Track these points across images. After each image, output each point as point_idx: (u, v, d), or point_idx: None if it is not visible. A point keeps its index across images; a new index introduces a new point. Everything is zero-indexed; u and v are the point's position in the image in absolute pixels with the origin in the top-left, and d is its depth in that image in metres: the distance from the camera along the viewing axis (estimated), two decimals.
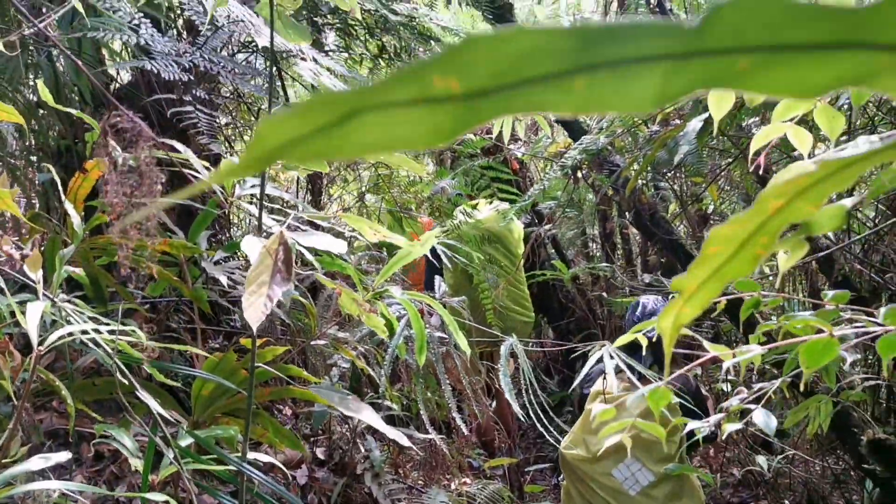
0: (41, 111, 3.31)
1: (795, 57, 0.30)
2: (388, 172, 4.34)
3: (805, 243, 0.66)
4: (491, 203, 4.11)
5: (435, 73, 0.28)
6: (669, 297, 3.20)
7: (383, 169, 4.30)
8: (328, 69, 2.65)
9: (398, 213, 5.22)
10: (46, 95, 1.80)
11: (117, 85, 3.39)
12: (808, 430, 1.82)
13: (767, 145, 0.86)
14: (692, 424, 1.42)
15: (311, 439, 3.18)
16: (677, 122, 3.43)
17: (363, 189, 4.96)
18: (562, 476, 3.33)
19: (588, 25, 0.28)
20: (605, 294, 5.34)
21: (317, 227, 2.20)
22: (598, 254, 6.18)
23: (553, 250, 5.43)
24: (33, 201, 3.24)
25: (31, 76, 3.18)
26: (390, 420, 2.95)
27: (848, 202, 0.60)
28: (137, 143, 0.94)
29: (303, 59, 2.39)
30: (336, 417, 2.95)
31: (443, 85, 0.29)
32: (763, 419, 1.02)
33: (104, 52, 3.22)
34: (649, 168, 3.26)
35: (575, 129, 3.51)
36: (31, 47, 2.92)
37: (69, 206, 1.68)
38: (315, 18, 3.17)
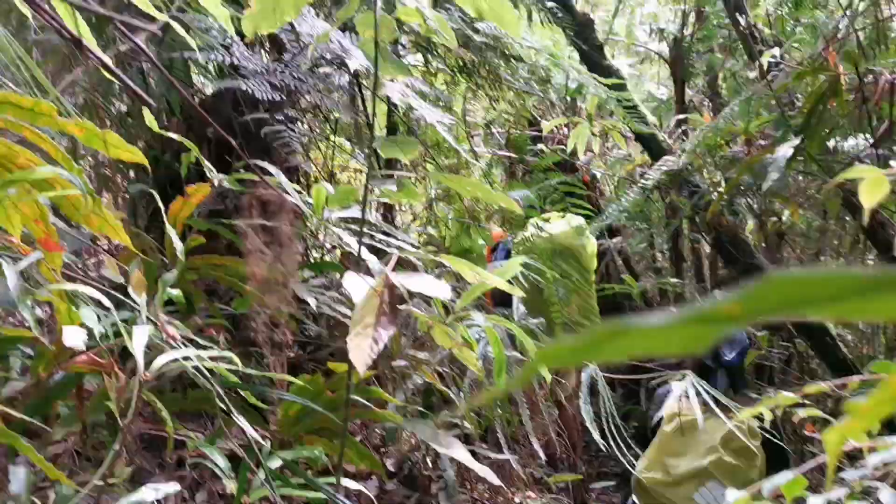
0: (130, 120, 3.43)
1: None
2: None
3: None
4: (564, 217, 4.08)
5: (726, 306, 0.28)
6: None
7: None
8: (413, 88, 2.68)
9: (467, 223, 5.24)
10: (151, 122, 1.85)
11: (203, 96, 3.48)
12: None
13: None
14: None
15: (381, 449, 3.21)
16: (762, 142, 3.36)
17: (433, 196, 4.98)
18: (630, 501, 3.28)
19: (866, 275, 0.28)
20: (673, 309, 5.25)
21: (376, 255, 2.22)
22: (665, 266, 6.09)
23: (621, 262, 5.37)
24: (124, 216, 3.35)
25: (120, 88, 3.28)
26: (463, 437, 2.97)
27: None
28: (281, 216, 0.96)
29: (391, 80, 2.42)
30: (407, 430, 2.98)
31: (726, 311, 0.29)
32: (892, 502, 0.99)
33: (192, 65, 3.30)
34: (731, 190, 3.19)
35: (653, 147, 3.46)
36: (123, 62, 3.01)
37: (171, 231, 1.74)
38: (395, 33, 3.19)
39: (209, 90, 3.66)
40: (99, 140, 1.26)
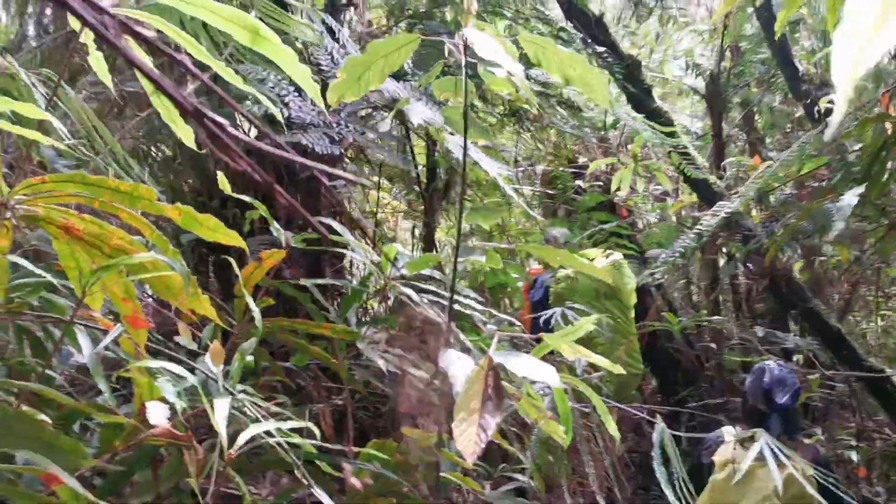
0: (177, 163, 3.42)
1: None
2: (499, 222, 4.33)
3: None
4: (607, 256, 4.04)
5: None
6: (787, 362, 3.07)
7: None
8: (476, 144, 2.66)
9: (505, 256, 5.19)
10: (225, 185, 1.84)
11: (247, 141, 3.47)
12: None
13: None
14: None
15: None
16: (814, 184, 3.31)
17: (469, 230, 4.95)
18: None
19: None
20: (714, 345, 5.18)
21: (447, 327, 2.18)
22: (701, 299, 6.02)
23: (657, 293, 5.30)
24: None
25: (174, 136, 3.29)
26: (520, 491, 2.90)
27: None
28: (436, 337, 0.93)
29: (451, 133, 2.40)
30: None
31: None
32: None
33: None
34: (788, 236, 3.14)
35: (702, 190, 3.42)
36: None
37: (248, 298, 1.71)
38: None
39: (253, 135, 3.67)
40: (197, 223, 1.23)
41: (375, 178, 3.86)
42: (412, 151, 3.12)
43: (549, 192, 4.39)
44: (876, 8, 0.55)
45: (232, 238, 1.30)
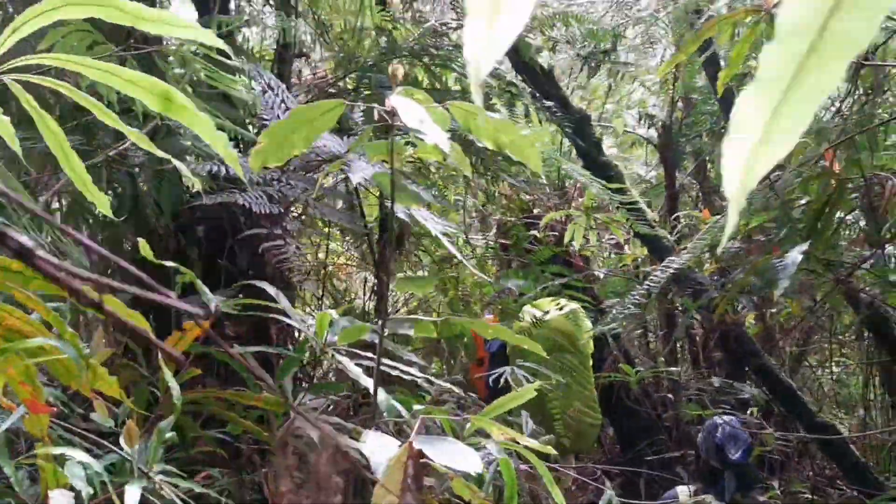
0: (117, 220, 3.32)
1: None
2: (453, 272, 4.27)
3: None
4: (561, 307, 3.99)
5: None
6: (735, 421, 3.04)
7: (449, 270, 4.23)
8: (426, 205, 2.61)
9: (458, 307, 5.13)
10: (147, 252, 1.76)
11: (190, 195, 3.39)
12: None
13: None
14: None
15: None
16: (760, 237, 3.31)
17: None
18: None
19: None
20: (671, 396, 5.13)
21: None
22: (658, 347, 6.00)
23: (614, 344, 5.26)
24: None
25: (112, 187, 3.19)
26: None
27: None
28: (320, 454, 0.86)
29: None
30: None
31: None
32: None
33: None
34: (737, 291, 3.13)
35: (654, 245, 3.41)
36: (112, 165, 2.93)
37: (168, 376, 1.61)
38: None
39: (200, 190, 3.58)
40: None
41: (326, 230, 3.79)
42: (361, 205, 3.06)
43: (503, 242, 4.35)
44: (761, 122, 0.50)
45: (112, 387, 1.22)
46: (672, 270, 2.79)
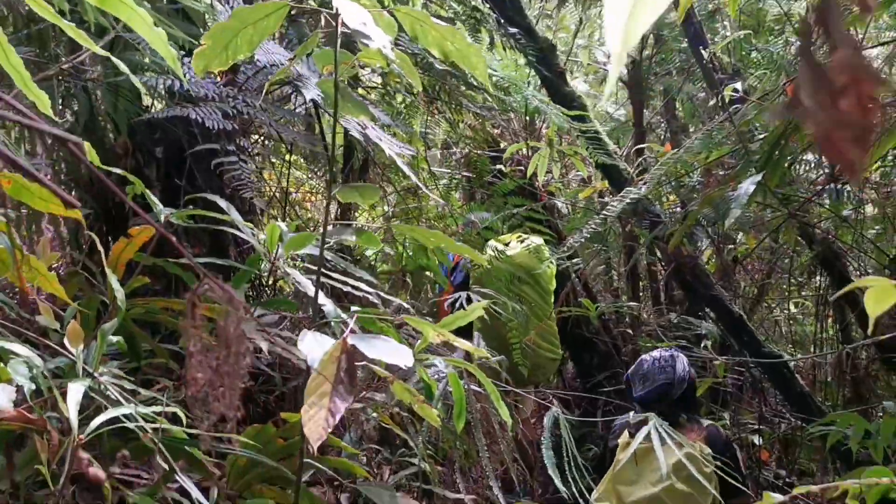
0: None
1: None
2: (417, 204, 4.28)
3: None
4: (523, 240, 4.03)
5: None
6: (679, 357, 3.10)
7: (412, 201, 4.23)
8: (373, 119, 2.59)
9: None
10: (93, 156, 1.74)
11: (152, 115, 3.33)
12: None
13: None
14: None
15: (335, 483, 3.11)
16: (720, 172, 3.35)
17: (390, 214, 4.89)
18: None
19: None
20: (630, 331, 5.24)
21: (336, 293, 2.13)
22: (622, 286, 6.09)
23: (580, 285, 5.34)
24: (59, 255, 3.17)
25: (65, 103, 3.13)
26: (418, 475, 2.88)
27: None
28: (228, 316, 0.87)
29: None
30: None
31: None
32: None
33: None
34: (693, 222, 3.17)
35: (614, 176, 3.43)
36: (67, 79, 2.87)
37: (112, 278, 1.62)
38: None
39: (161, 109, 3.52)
40: (28, 193, 1.15)
41: (288, 157, 3.77)
42: (321, 126, 3.04)
43: (467, 175, 4.35)
44: None
45: (58, 206, 1.22)
46: (628, 200, 2.82)
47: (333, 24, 1.48)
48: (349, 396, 1.20)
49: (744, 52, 3.79)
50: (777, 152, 2.71)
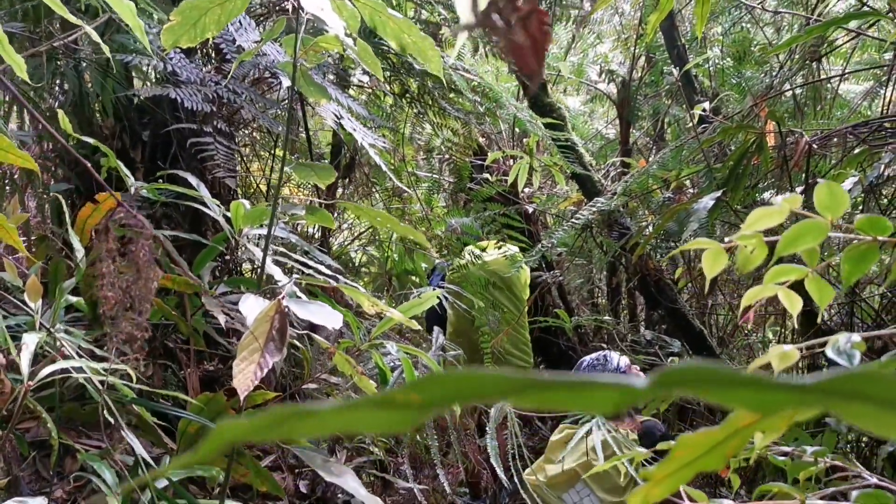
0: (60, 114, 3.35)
1: None
2: (401, 206, 4.36)
3: (781, 427, 0.67)
4: (500, 247, 4.11)
5: (399, 394, 0.29)
6: (612, 354, 3.17)
7: (397, 203, 4.32)
8: (350, 110, 2.68)
9: (410, 245, 5.24)
10: (66, 125, 1.82)
11: (140, 99, 3.42)
12: None
13: (757, 302, 0.86)
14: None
15: (296, 470, 3.17)
16: (692, 190, 3.43)
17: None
18: None
19: (534, 379, 0.29)
20: (605, 345, 5.32)
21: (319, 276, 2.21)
22: (603, 301, 6.17)
23: (558, 296, 5.42)
24: (45, 206, 3.26)
25: (57, 82, 3.22)
26: (375, 463, 2.94)
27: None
28: (138, 242, 0.95)
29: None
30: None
31: (404, 399, 0.30)
32: None
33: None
34: (659, 235, 3.26)
35: (588, 187, 3.52)
36: (58, 57, 2.96)
37: (74, 238, 1.70)
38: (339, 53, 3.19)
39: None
40: None
41: (275, 150, 3.85)
42: (305, 120, 3.12)
43: (450, 180, 4.44)
44: None
45: (26, 161, 1.30)
46: (595, 210, 2.90)
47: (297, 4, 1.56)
48: (279, 353, 1.27)
49: (724, 79, 3.89)
50: (740, 170, 2.80)
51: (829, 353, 0.64)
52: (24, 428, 2.48)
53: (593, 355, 3.04)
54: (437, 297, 2.10)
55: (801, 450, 0.92)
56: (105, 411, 1.57)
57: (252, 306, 1.34)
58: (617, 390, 0.30)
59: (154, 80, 3.04)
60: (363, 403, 0.30)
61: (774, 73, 3.44)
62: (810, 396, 0.28)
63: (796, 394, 0.27)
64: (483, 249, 4.13)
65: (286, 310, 1.31)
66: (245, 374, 1.25)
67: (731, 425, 0.51)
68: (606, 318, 5.05)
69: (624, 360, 2.96)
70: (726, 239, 0.80)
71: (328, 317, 1.31)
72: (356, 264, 5.99)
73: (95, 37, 1.66)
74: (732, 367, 0.30)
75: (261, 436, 0.30)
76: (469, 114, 3.21)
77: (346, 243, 5.49)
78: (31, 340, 1.54)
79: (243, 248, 2.06)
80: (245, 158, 3.85)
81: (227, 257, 2.60)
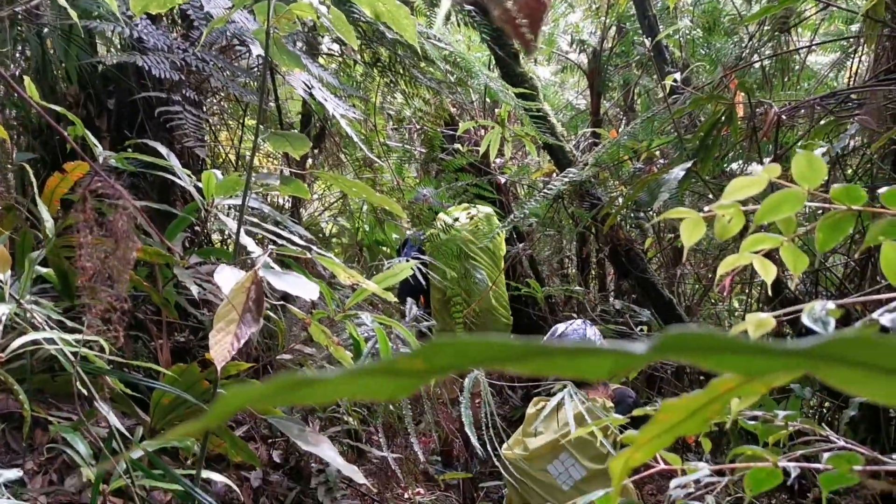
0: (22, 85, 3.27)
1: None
2: (372, 176, 4.34)
3: (762, 389, 0.68)
4: (469, 214, 4.12)
5: (403, 363, 0.29)
6: (584, 324, 3.23)
7: (368, 173, 4.29)
8: (320, 79, 2.65)
9: (382, 216, 5.22)
10: (32, 91, 1.78)
11: (105, 66, 3.35)
12: None
13: (733, 271, 0.88)
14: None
15: (269, 440, 3.18)
16: (662, 161, 3.46)
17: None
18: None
19: (534, 345, 0.30)
20: (575, 314, 5.37)
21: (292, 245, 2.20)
22: (573, 272, 6.23)
23: (529, 267, 5.45)
24: (9, 176, 3.19)
25: (19, 49, 3.14)
26: (350, 432, 2.96)
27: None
28: (117, 212, 0.94)
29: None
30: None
31: (407, 365, 0.30)
32: None
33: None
34: (629, 206, 3.29)
35: (560, 158, 3.53)
36: (20, 23, 2.88)
37: (43, 208, 1.67)
38: (310, 22, 3.15)
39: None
40: None
41: (243, 119, 3.80)
42: (275, 89, 3.08)
43: (422, 150, 4.43)
44: None
45: None
46: (567, 181, 2.91)
47: None
48: (255, 324, 1.27)
49: (694, 49, 3.90)
50: (710, 141, 2.82)
51: (805, 320, 0.66)
52: None
53: (567, 323, 3.07)
54: (412, 269, 2.11)
55: (772, 414, 0.95)
56: (78, 382, 1.55)
57: (228, 277, 1.33)
58: (615, 356, 0.30)
59: (119, 47, 2.97)
60: (370, 371, 0.30)
61: (744, 45, 3.46)
62: (804, 361, 0.29)
63: (792, 359, 0.28)
64: (454, 218, 4.13)
65: (262, 280, 1.31)
66: (222, 345, 1.25)
67: (713, 390, 0.53)
68: (577, 287, 5.09)
69: (593, 331, 3.00)
70: (705, 208, 0.82)
71: (304, 287, 1.31)
72: (326, 235, 5.96)
73: (62, 1, 1.61)
74: (725, 332, 0.31)
75: (270, 402, 0.30)
76: (441, 83, 3.19)
77: (316, 214, 5.46)
78: (0, 311, 1.51)
79: (214, 219, 2.05)
80: (213, 128, 3.80)
81: (197, 228, 2.57)
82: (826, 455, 0.77)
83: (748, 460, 0.81)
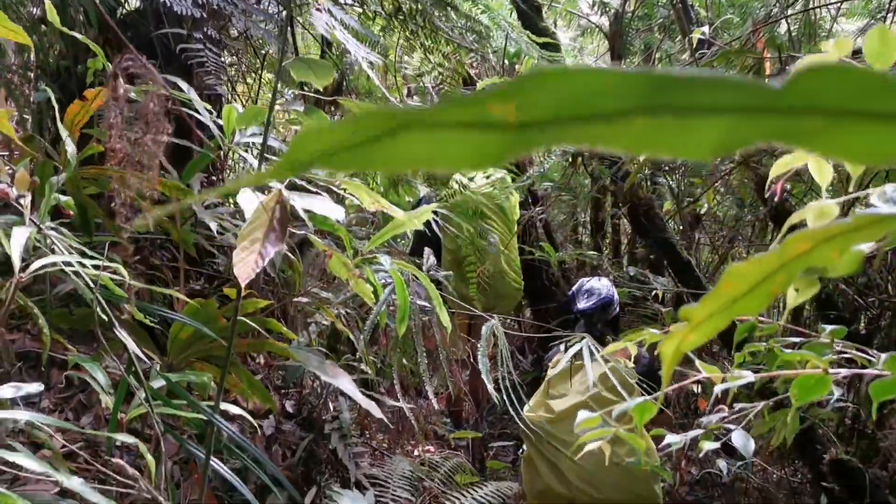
0: (43, 27, 3.24)
1: (867, 125, 0.29)
2: None
3: (817, 283, 0.66)
4: (487, 174, 4.09)
5: (495, 101, 0.27)
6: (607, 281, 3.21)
7: None
8: (342, 22, 2.61)
9: (395, 178, 5.18)
10: (53, 16, 1.75)
11: (125, 10, 3.31)
12: (773, 442, 1.82)
13: (786, 173, 0.85)
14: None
15: (282, 391, 3.18)
16: None
17: None
18: (522, 449, 3.37)
19: (659, 72, 0.27)
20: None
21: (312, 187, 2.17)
22: (586, 239, 6.19)
23: (543, 232, 5.41)
24: (25, 117, 3.17)
25: None
26: (364, 383, 2.96)
27: (865, 248, 0.59)
28: (148, 91, 0.91)
29: (317, 9, 2.35)
30: (309, 372, 2.96)
31: (500, 112, 0.28)
32: (742, 441, 1.02)
33: None
34: (649, 164, 3.24)
35: None
36: None
37: (64, 133, 1.65)
38: None
39: (135, 2, 3.49)
40: None
41: (261, 71, 3.77)
42: (294, 40, 3.04)
43: None
44: None
45: (17, 34, 1.24)
46: None
47: None
48: (280, 243, 1.25)
49: (720, 11, 3.83)
50: None
51: (874, 200, 0.63)
52: (10, 339, 2.45)
53: (595, 278, 3.05)
54: (431, 216, 2.08)
55: (820, 329, 0.92)
56: (99, 309, 1.54)
57: (250, 199, 1.31)
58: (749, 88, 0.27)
59: None
60: (447, 121, 0.27)
61: (771, 2, 3.39)
62: None
63: None
64: (470, 178, 4.10)
65: (286, 200, 1.29)
66: (246, 263, 1.23)
67: (785, 252, 0.49)
68: (591, 252, 5.06)
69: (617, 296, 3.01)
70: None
71: (330, 209, 1.29)
72: (340, 197, 5.94)
73: None
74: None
75: (349, 154, 0.27)
76: (463, 32, 3.14)
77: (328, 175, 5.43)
78: (20, 233, 1.50)
79: (233, 159, 2.02)
80: (231, 79, 3.76)
81: (213, 170, 2.55)
82: (883, 356, 0.74)
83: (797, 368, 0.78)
